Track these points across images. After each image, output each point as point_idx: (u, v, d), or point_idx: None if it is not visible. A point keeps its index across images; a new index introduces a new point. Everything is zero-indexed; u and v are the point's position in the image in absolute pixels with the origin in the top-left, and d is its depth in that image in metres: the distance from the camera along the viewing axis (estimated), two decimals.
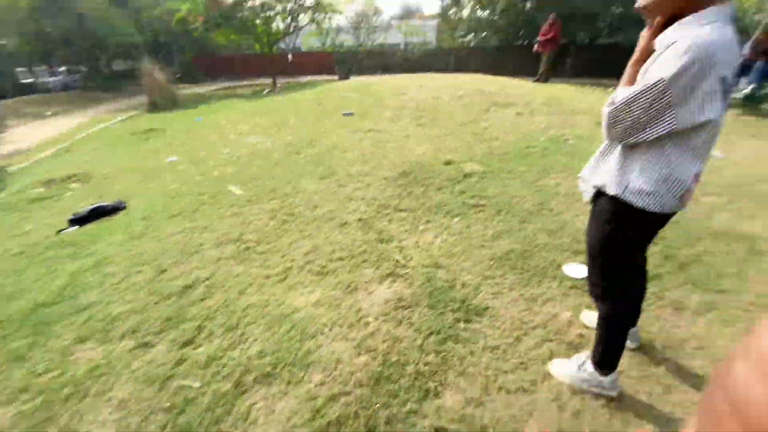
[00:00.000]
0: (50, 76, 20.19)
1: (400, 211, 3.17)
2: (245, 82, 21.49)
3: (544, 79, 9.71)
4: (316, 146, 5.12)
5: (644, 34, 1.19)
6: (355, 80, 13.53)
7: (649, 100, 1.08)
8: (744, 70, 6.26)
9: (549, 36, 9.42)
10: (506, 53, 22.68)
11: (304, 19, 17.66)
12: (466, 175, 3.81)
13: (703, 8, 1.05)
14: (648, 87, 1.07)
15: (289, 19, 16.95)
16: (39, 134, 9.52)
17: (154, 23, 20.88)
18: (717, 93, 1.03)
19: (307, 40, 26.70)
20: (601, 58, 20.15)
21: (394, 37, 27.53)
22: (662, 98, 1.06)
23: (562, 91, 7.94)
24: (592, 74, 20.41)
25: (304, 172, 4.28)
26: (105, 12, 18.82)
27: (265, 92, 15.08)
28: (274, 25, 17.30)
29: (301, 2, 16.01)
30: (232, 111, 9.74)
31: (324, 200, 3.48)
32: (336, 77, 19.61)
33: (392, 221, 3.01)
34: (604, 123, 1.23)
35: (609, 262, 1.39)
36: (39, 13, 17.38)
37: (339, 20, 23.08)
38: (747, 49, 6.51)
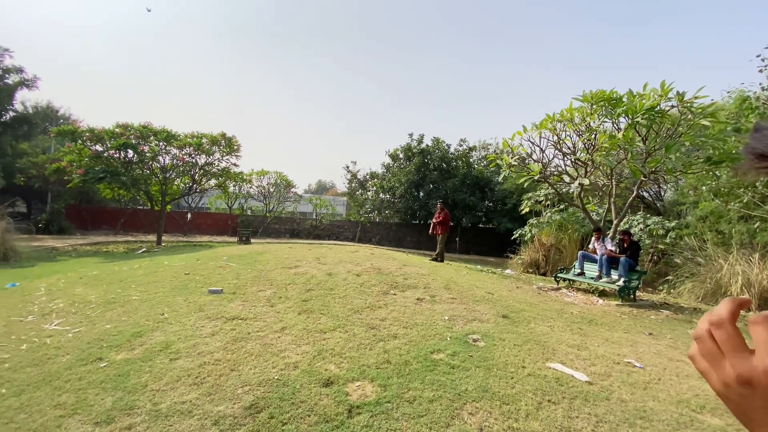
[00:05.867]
0: None
1: None
2: (128, 238, 19.06)
3: (441, 258, 10.03)
4: (136, 346, 3.43)
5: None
6: (253, 246, 12.60)
7: None
8: (613, 263, 6.99)
9: (440, 220, 10.23)
10: (405, 230, 25.24)
11: (209, 182, 17.51)
12: (352, 410, 2.51)
13: None
14: None
15: (190, 182, 16.55)
16: None
17: (29, 168, 18.72)
18: None
19: (214, 201, 26.41)
20: (480, 239, 24.17)
21: (306, 206, 29.05)
22: None
23: (458, 272, 7.93)
24: (474, 251, 23.64)
25: (80, 404, 2.50)
26: None
27: (140, 251, 12.98)
28: (174, 185, 16.64)
29: (208, 168, 16.05)
30: (72, 274, 7.53)
31: None
32: (236, 240, 18.63)
33: None
34: None
35: None
36: None
37: (249, 188, 23.87)
38: (610, 245, 7.44)
